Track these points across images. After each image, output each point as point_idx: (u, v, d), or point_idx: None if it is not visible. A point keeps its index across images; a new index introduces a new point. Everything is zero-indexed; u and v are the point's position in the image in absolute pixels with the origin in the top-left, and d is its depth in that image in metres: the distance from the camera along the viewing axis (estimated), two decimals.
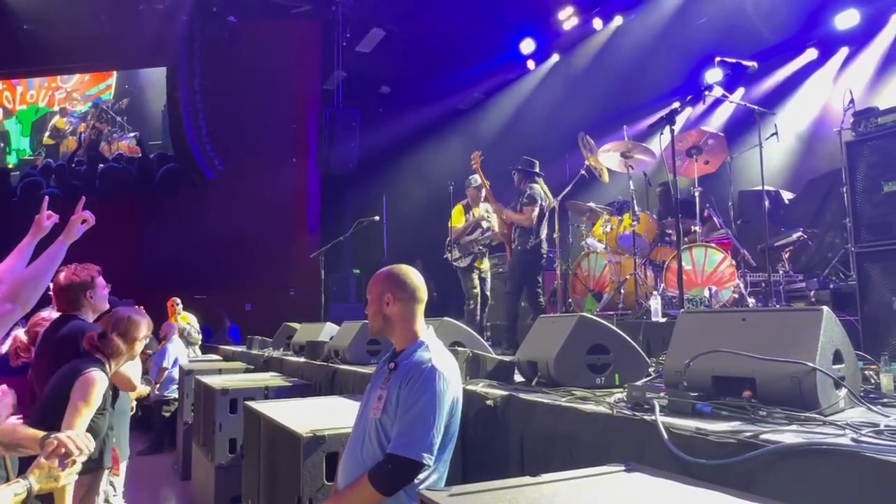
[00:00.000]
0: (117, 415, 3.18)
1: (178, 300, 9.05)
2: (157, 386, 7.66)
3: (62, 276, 3.21)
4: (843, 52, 9.31)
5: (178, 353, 7.91)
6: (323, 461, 2.63)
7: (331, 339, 5.59)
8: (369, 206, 11.94)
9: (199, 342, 9.47)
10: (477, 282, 7.01)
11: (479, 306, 6.96)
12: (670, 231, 6.45)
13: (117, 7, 12.37)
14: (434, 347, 2.38)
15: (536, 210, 6.18)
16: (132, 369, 3.28)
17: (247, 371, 6.58)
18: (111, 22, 12.53)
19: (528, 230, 6.22)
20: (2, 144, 15.41)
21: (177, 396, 7.37)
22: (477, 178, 6.99)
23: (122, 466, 3.27)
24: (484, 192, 6.98)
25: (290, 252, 13.56)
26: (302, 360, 5.73)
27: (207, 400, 4.82)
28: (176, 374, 7.50)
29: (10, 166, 15.30)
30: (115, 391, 3.17)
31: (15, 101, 15.60)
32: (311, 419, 2.96)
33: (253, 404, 3.58)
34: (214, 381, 4.97)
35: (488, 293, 7.11)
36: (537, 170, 6.53)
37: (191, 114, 13.31)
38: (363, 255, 13.43)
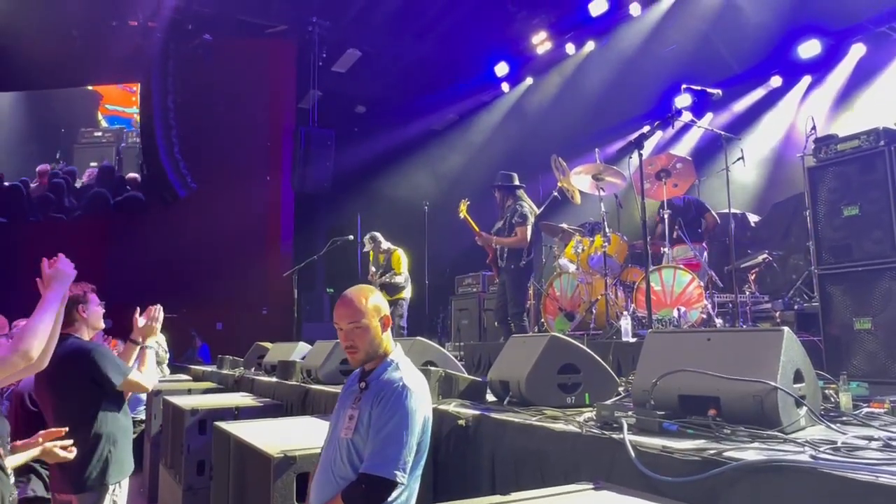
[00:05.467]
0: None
1: None
2: None
3: None
4: (806, 80, 9.62)
5: None
6: (294, 482, 2.61)
7: (303, 358, 5.55)
8: (343, 225, 11.93)
9: (167, 361, 9.29)
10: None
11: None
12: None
13: (89, 23, 12.25)
14: (404, 366, 2.38)
15: (530, 229, 6.20)
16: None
17: (217, 391, 6.49)
18: (83, 38, 12.39)
19: (518, 249, 6.22)
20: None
21: (143, 418, 7.21)
22: (377, 235, 8.28)
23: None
24: (386, 245, 8.22)
25: (262, 271, 13.41)
26: (273, 380, 5.67)
27: (176, 420, 4.74)
28: (143, 395, 7.34)
29: None
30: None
31: None
32: (281, 440, 2.93)
33: (223, 425, 3.53)
34: (183, 401, 4.89)
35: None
36: (516, 182, 6.52)
37: (164, 131, 13.17)
38: (337, 274, 13.37)
